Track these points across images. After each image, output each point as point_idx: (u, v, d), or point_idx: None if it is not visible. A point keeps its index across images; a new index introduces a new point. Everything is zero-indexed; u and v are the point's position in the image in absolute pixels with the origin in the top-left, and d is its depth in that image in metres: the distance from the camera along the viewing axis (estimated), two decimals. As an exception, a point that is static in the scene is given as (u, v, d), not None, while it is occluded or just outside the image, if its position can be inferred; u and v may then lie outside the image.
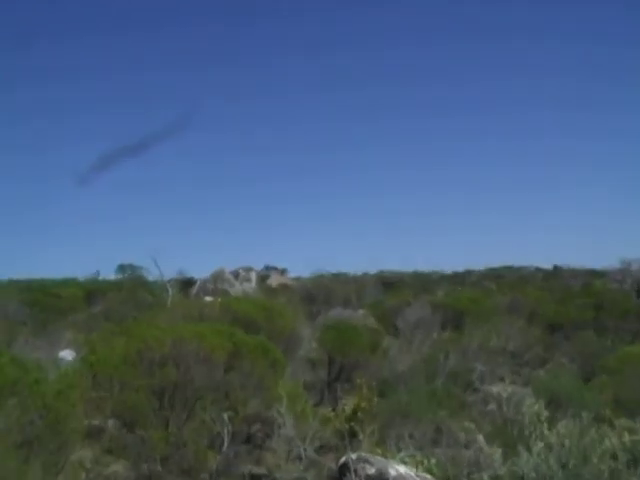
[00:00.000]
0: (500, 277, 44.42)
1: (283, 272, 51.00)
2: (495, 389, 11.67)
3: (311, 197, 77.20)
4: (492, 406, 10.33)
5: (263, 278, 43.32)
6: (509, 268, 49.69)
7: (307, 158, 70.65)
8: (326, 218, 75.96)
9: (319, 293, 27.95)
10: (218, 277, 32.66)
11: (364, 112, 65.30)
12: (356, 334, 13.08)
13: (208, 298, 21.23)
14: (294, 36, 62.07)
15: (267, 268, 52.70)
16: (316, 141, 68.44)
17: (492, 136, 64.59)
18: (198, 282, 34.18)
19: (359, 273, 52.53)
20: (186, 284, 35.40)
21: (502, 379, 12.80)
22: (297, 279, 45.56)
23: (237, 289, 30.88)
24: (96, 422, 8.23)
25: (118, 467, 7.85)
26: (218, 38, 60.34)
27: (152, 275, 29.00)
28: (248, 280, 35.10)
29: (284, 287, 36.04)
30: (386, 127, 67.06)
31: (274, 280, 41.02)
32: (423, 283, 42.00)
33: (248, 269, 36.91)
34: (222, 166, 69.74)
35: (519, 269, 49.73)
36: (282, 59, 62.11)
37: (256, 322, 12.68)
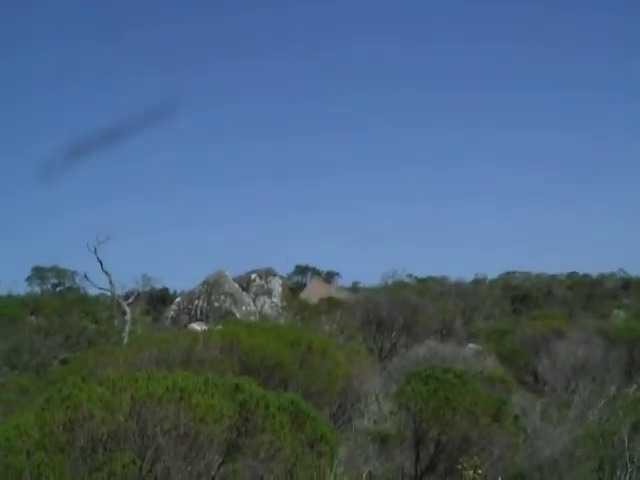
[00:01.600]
0: None
1: (329, 278, 50.28)
2: None
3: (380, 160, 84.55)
4: None
5: (295, 288, 43.01)
6: None
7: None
8: (407, 191, 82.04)
9: (396, 313, 27.61)
10: (215, 288, 32.66)
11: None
12: (465, 388, 12.86)
13: (197, 326, 21.42)
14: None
15: (300, 271, 52.25)
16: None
17: None
18: (178, 298, 34.08)
19: (467, 279, 52.20)
20: (157, 301, 35.50)
21: None
22: (355, 290, 45.14)
23: (249, 309, 30.88)
24: None
25: None
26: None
27: (95, 286, 29.41)
28: (268, 293, 34.99)
29: (332, 303, 35.85)
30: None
31: (314, 291, 40.76)
32: (588, 295, 41.20)
33: (267, 273, 36.49)
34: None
35: None
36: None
37: (283, 368, 13.10)
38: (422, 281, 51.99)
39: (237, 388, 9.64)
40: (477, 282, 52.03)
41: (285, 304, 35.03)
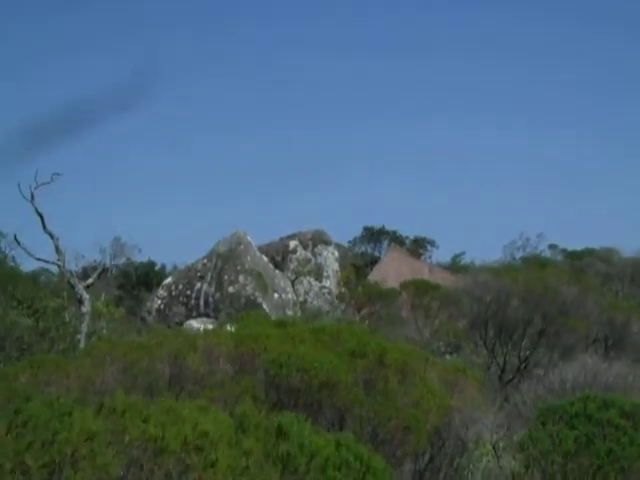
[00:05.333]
0: None
1: (418, 249, 41.58)
2: None
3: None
4: None
5: (361, 266, 35.87)
6: None
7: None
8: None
9: (530, 311, 21.44)
10: (229, 262, 26.23)
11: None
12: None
13: (197, 323, 17.08)
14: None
15: (370, 237, 42.92)
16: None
17: None
18: (169, 279, 27.24)
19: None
20: (136, 283, 29.99)
21: None
22: (458, 268, 36.27)
23: (284, 298, 24.74)
24: None
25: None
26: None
27: (32, 256, 22.08)
28: (317, 272, 28.73)
29: (423, 290, 28.65)
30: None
31: (393, 270, 33.37)
32: None
33: (316, 238, 30.27)
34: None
35: None
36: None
37: (336, 391, 10.92)
38: (575, 256, 40.49)
39: (280, 433, 7.62)
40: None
41: (344, 290, 28.48)
